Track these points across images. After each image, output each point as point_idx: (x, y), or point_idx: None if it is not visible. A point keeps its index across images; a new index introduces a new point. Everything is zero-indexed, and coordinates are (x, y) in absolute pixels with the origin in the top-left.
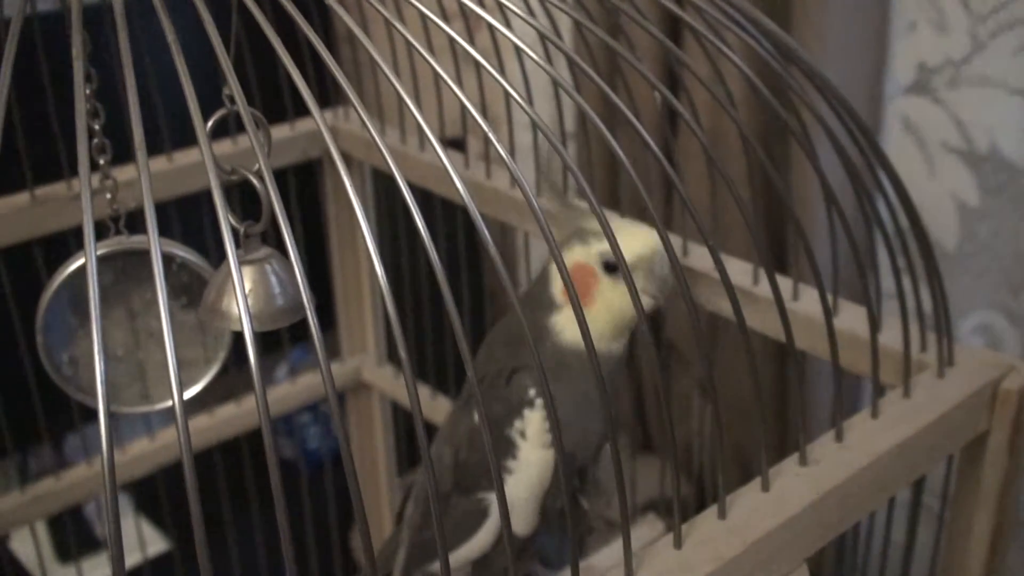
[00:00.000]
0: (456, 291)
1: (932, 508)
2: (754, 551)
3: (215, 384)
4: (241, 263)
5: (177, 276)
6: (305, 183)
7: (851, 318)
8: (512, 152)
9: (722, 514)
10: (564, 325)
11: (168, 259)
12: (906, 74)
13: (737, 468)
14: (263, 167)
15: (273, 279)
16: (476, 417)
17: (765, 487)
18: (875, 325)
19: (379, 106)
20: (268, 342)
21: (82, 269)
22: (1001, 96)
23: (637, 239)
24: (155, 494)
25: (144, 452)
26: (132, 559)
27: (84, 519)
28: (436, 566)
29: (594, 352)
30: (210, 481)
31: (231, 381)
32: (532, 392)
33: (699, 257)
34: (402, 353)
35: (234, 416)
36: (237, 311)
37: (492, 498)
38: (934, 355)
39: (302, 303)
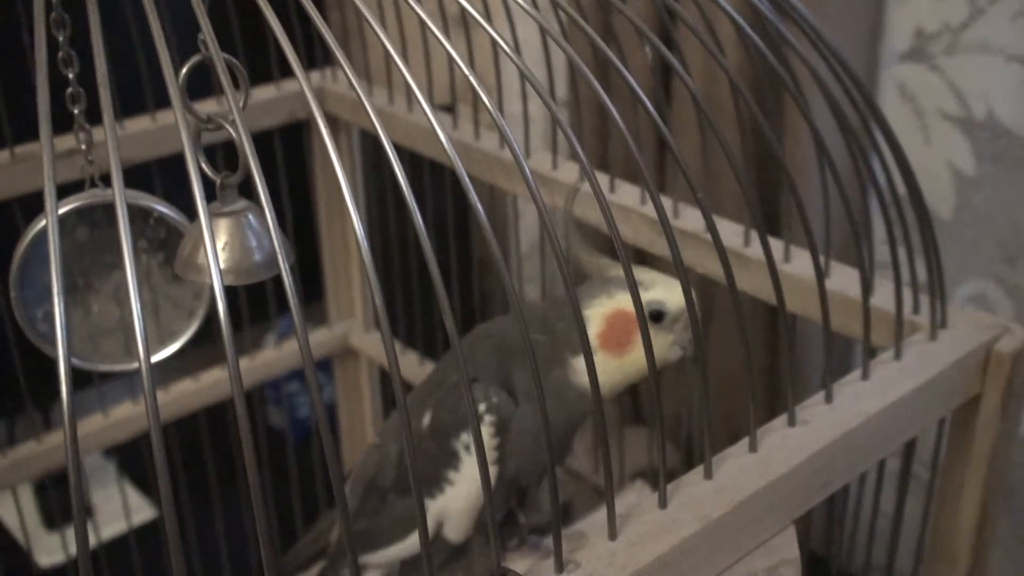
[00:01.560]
0: (444, 258)
1: (921, 478)
2: (741, 511)
3: (201, 350)
4: (217, 215)
5: (155, 231)
6: (292, 146)
7: (843, 280)
8: (502, 139)
9: (708, 474)
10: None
11: (145, 213)
12: (903, 40)
13: (726, 440)
14: (235, 113)
15: (250, 232)
16: (424, 422)
17: (753, 448)
18: (867, 284)
19: (366, 70)
20: (256, 311)
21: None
22: (999, 63)
23: (679, 292)
24: (140, 459)
25: (128, 416)
26: (116, 528)
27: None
28: (366, 558)
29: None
30: (196, 447)
31: (217, 346)
32: (482, 407)
33: (689, 219)
34: (382, 323)
35: (220, 381)
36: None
37: (429, 504)
38: (927, 317)
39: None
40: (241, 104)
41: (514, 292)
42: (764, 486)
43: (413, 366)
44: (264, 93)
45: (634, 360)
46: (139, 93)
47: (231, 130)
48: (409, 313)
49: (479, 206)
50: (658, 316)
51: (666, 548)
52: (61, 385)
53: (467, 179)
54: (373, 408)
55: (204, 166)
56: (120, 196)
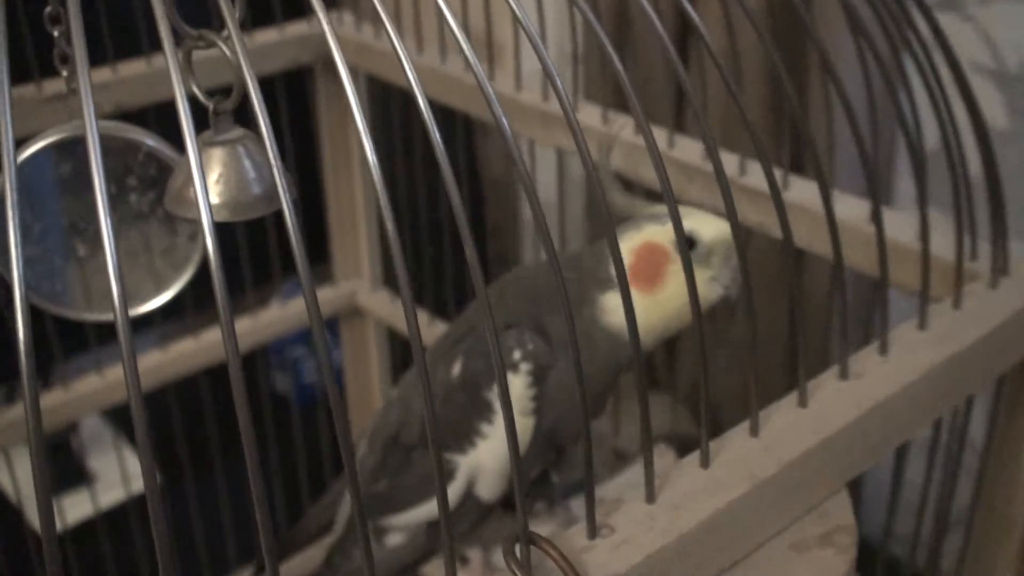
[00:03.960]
0: (453, 220)
1: (974, 446)
2: (789, 471)
3: (201, 308)
4: (210, 144)
5: (145, 168)
6: (295, 95)
7: (892, 225)
8: (518, 80)
9: (754, 431)
10: (616, 306)
11: (134, 148)
12: None
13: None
14: (231, 29)
15: (247, 163)
16: (455, 371)
17: (802, 402)
18: (926, 226)
19: (374, 12)
20: (259, 274)
21: (30, 159)
22: None
23: (716, 223)
24: None
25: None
26: (115, 495)
27: (71, 452)
28: (387, 520)
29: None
30: (197, 410)
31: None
32: (517, 355)
33: (724, 163)
34: (401, 279)
35: (221, 340)
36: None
37: (460, 460)
38: (986, 264)
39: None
40: (236, 14)
41: (541, 218)
42: (815, 444)
43: (423, 325)
44: (266, 36)
45: (669, 297)
46: (135, 36)
47: (224, 48)
48: (419, 271)
49: (511, 139)
50: (688, 244)
51: (710, 511)
52: (17, 318)
53: (499, 108)
54: (381, 369)
55: (195, 89)
56: (87, 98)
